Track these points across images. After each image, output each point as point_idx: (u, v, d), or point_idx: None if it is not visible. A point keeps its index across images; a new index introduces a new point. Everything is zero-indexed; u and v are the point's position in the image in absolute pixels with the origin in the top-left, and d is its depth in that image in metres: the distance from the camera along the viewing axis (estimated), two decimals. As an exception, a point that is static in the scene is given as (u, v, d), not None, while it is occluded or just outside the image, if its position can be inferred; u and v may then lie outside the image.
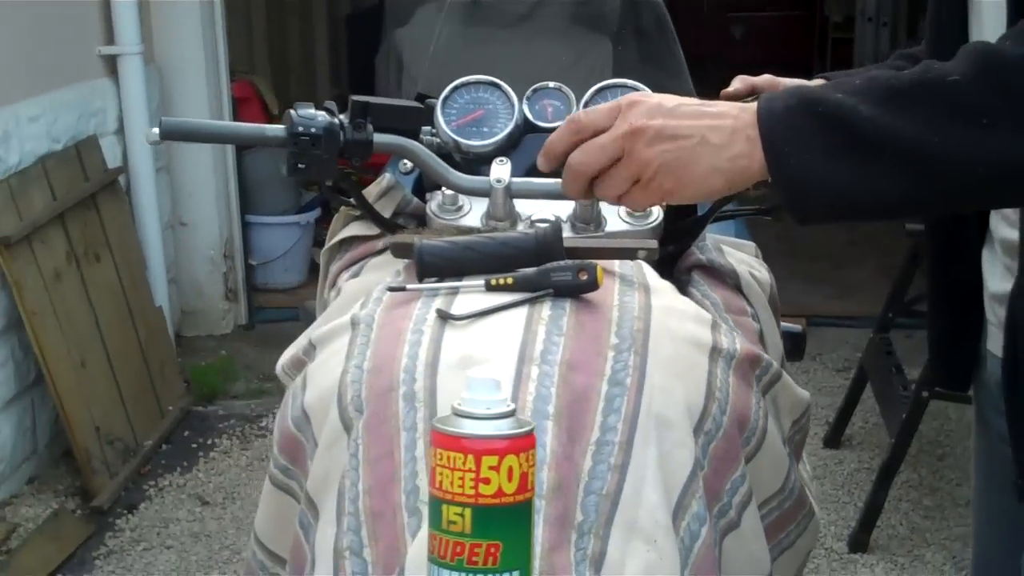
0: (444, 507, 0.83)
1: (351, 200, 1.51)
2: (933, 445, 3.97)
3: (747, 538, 1.12)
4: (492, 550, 0.81)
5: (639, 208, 1.20)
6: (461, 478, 0.81)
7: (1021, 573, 1.31)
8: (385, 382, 1.07)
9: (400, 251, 1.33)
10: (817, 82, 1.49)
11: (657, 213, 1.47)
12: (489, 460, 0.81)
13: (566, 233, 1.46)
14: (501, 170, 1.43)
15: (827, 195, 1.00)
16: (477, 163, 1.53)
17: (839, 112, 0.97)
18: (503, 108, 1.56)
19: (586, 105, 1.54)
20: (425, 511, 0.96)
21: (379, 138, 1.39)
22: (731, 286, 1.49)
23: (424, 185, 1.57)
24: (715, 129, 1.03)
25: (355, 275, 1.50)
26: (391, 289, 1.13)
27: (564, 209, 1.48)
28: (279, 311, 5.52)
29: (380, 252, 1.52)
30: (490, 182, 1.42)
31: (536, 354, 1.04)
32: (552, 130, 1.52)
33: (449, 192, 1.47)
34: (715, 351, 1.15)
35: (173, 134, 1.29)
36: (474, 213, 1.47)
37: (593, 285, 1.09)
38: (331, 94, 7.02)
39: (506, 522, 0.82)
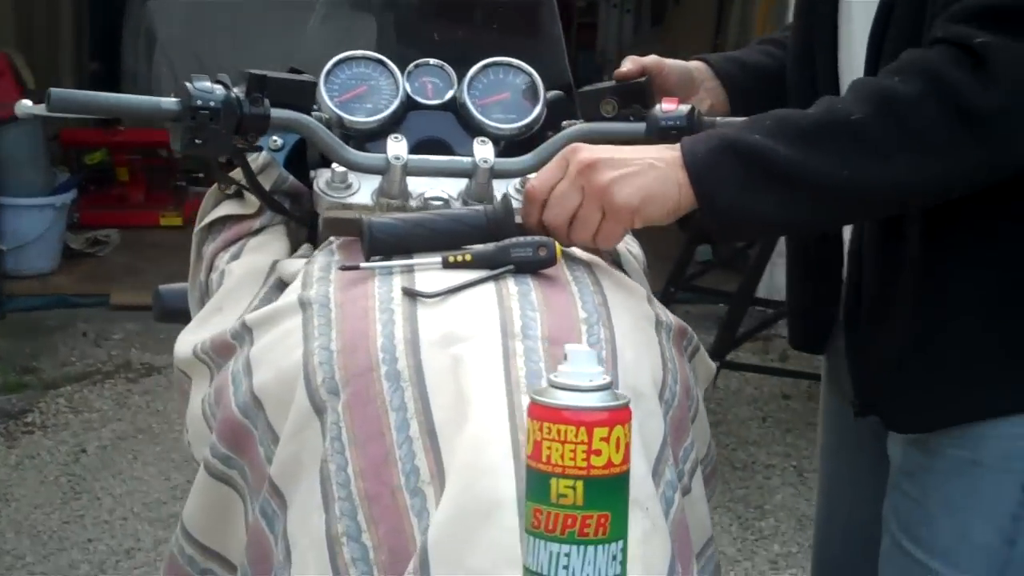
0: (553, 480, 0.83)
1: (235, 181, 1.44)
2: (708, 413, 4.16)
3: (696, 502, 1.17)
4: (603, 521, 0.83)
5: (616, 242, 1.23)
6: (573, 450, 0.82)
7: (883, 522, 1.41)
8: (363, 362, 1.03)
9: (340, 228, 1.28)
10: (697, 64, 1.53)
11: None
12: (600, 432, 0.82)
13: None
14: (398, 147, 1.40)
15: (751, 223, 1.21)
16: (359, 140, 1.49)
17: (757, 152, 1.14)
18: (386, 85, 1.52)
19: (470, 82, 1.53)
20: (429, 491, 0.94)
21: (276, 113, 1.34)
22: (612, 262, 1.52)
23: (308, 163, 1.52)
24: (657, 160, 1.18)
25: (235, 256, 1.43)
26: (344, 268, 1.09)
27: (455, 187, 1.46)
28: (33, 299, 5.22)
29: (257, 232, 1.46)
30: (387, 159, 1.38)
31: (517, 330, 1.03)
32: (433, 107, 1.54)
33: (339, 169, 1.42)
34: (659, 323, 1.20)
35: (62, 106, 1.20)
36: (364, 191, 1.43)
37: (551, 260, 1.09)
38: (74, 68, 6.64)
39: (614, 492, 0.84)
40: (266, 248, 1.43)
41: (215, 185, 1.53)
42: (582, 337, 1.05)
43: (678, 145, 1.19)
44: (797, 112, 1.18)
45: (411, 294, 1.04)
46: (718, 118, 1.39)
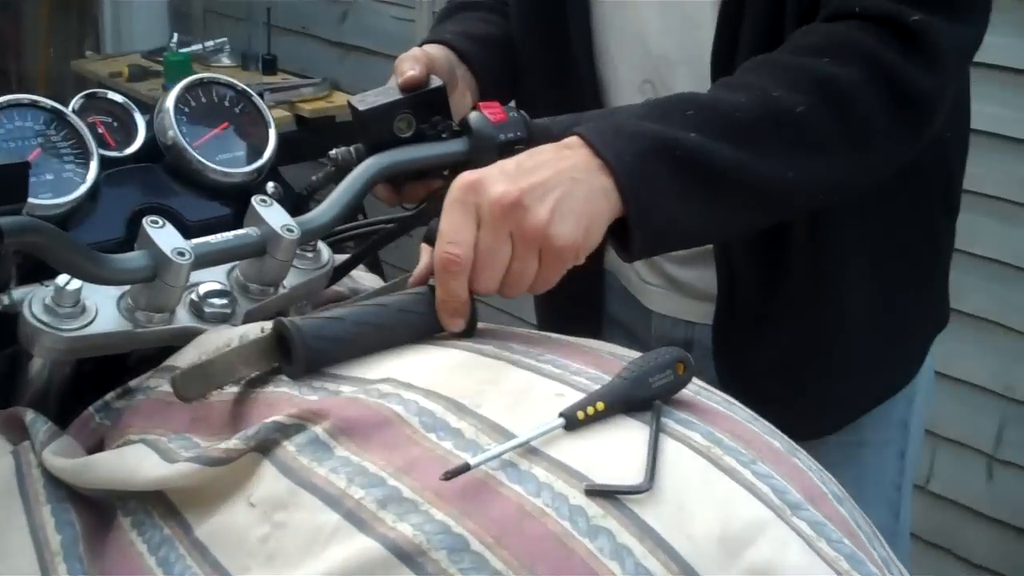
0: None
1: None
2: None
3: None
4: None
5: (552, 285, 0.89)
6: None
7: None
8: None
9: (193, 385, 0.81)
10: (444, 50, 1.22)
11: (328, 256, 1.10)
12: None
13: (246, 306, 1.02)
14: (169, 235, 0.93)
15: (683, 236, 0.99)
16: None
17: (700, 156, 0.93)
18: (62, 140, 1.01)
19: (179, 100, 1.08)
20: None
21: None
22: None
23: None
24: (574, 169, 0.90)
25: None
26: (448, 476, 0.64)
27: (223, 273, 1.02)
28: None
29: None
30: (166, 255, 0.91)
31: (776, 500, 0.68)
32: (125, 159, 1.06)
33: (71, 286, 0.91)
34: None
35: None
36: (106, 311, 0.95)
37: (689, 376, 0.75)
38: None
39: None
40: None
41: None
42: (824, 487, 0.74)
43: (578, 142, 0.92)
44: (721, 102, 0.96)
45: (604, 492, 0.65)
46: (556, 117, 1.11)
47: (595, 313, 1.38)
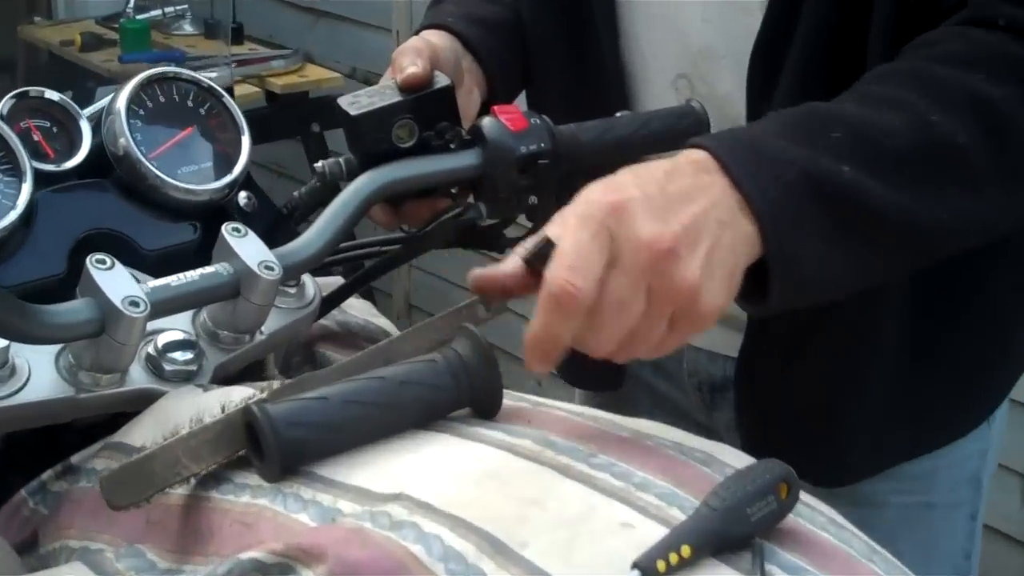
0: None
1: None
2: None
3: None
4: None
5: (669, 352, 0.71)
6: None
7: None
8: None
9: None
10: (446, 37, 1.03)
11: (314, 291, 0.91)
12: None
13: (217, 358, 0.84)
14: (119, 279, 0.75)
15: (822, 284, 0.77)
16: None
17: (851, 194, 0.75)
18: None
19: (132, 99, 0.89)
20: None
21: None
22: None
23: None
24: (715, 206, 0.71)
25: None
26: None
27: (187, 318, 0.84)
28: None
29: None
30: (116, 306, 0.73)
31: None
32: (65, 173, 0.87)
33: (-3, 344, 0.73)
34: None
35: None
36: (41, 375, 0.76)
37: (797, 497, 0.57)
38: None
39: None
40: None
41: None
42: None
43: (712, 164, 0.72)
44: (871, 124, 0.78)
45: None
46: (584, 124, 0.93)
47: None
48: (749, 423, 1.08)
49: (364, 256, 1.00)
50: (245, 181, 0.98)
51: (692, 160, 0.73)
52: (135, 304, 0.73)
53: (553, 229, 0.68)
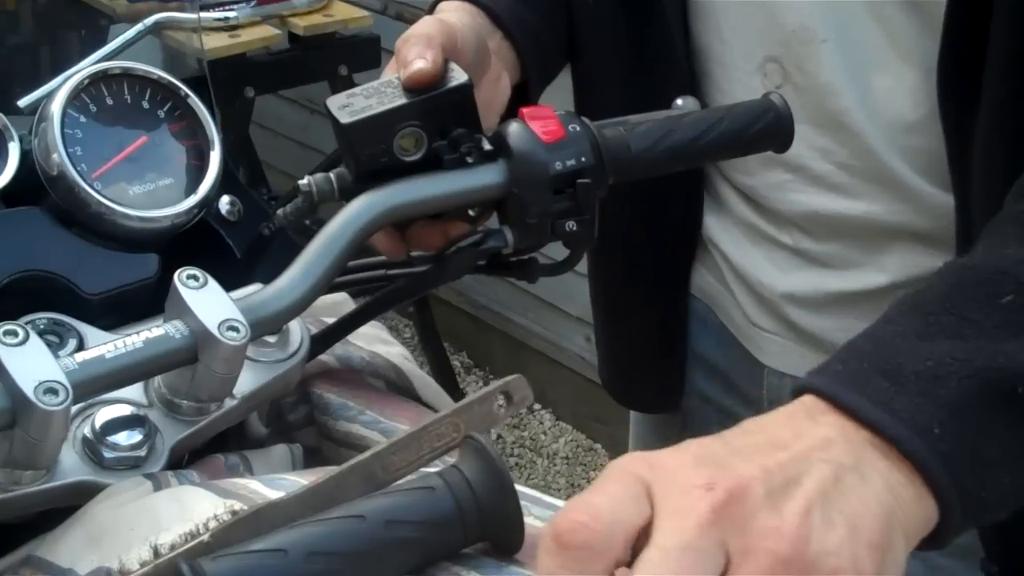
0: None
1: None
2: None
3: None
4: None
5: None
6: None
7: None
8: None
9: None
10: (473, 14, 0.84)
11: (300, 334, 0.74)
12: None
13: (174, 434, 0.67)
14: (36, 355, 0.58)
15: (1007, 501, 0.54)
16: None
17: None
18: None
19: (70, 103, 0.72)
20: None
21: None
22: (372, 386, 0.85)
23: None
24: (823, 446, 0.49)
25: None
26: None
27: (136, 392, 0.67)
28: None
29: None
30: (24, 396, 0.56)
31: None
32: None
33: None
34: None
35: None
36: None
37: None
38: None
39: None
40: None
41: None
42: None
43: (836, 419, 0.50)
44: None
45: None
46: (632, 119, 0.74)
47: (674, 347, 1.03)
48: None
49: (367, 282, 0.83)
50: (228, 183, 0.81)
51: (803, 410, 0.51)
52: (52, 392, 0.56)
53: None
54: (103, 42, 1.15)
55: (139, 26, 1.26)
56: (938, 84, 0.77)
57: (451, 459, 0.56)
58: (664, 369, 1.05)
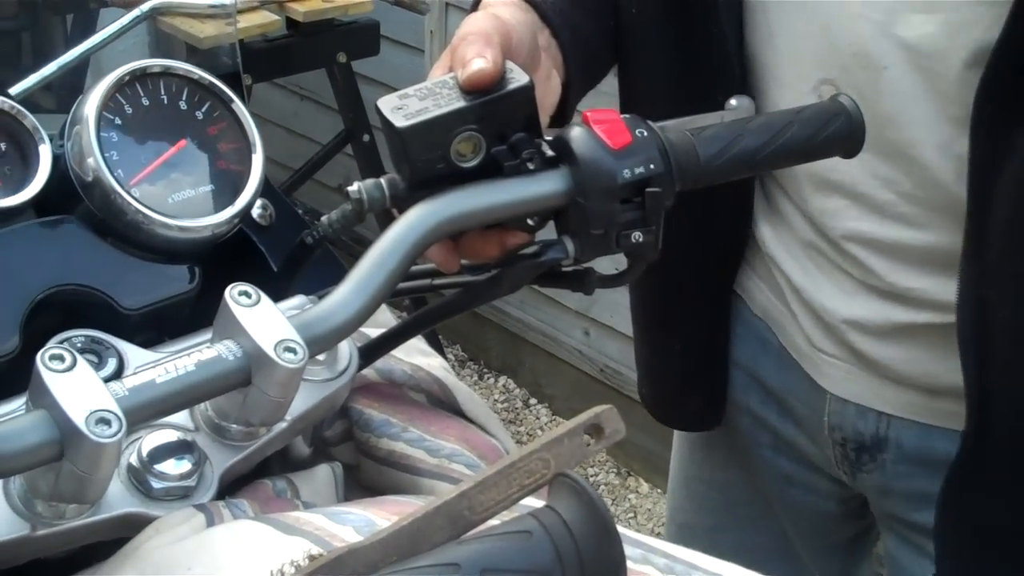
0: None
1: None
2: None
3: None
4: None
5: None
6: None
7: None
8: None
9: None
10: (523, 9, 0.80)
11: (349, 351, 0.70)
12: None
13: (224, 460, 0.63)
14: (88, 383, 0.53)
15: None
16: None
17: None
18: None
19: (105, 105, 0.67)
20: None
21: None
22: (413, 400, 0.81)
23: None
24: None
25: None
26: None
27: (182, 416, 0.63)
28: None
29: None
30: (75, 427, 0.52)
31: None
32: (15, 209, 0.66)
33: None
34: None
35: None
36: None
37: None
38: None
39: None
40: None
41: None
42: None
43: None
44: None
45: None
46: (696, 120, 0.70)
47: (716, 362, 1.00)
48: (949, 548, 0.87)
49: (413, 292, 0.79)
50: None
51: None
52: (104, 423, 0.52)
53: None
54: (93, 28, 1.10)
55: (135, 12, 1.21)
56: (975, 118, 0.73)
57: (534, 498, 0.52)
58: (707, 385, 1.02)
